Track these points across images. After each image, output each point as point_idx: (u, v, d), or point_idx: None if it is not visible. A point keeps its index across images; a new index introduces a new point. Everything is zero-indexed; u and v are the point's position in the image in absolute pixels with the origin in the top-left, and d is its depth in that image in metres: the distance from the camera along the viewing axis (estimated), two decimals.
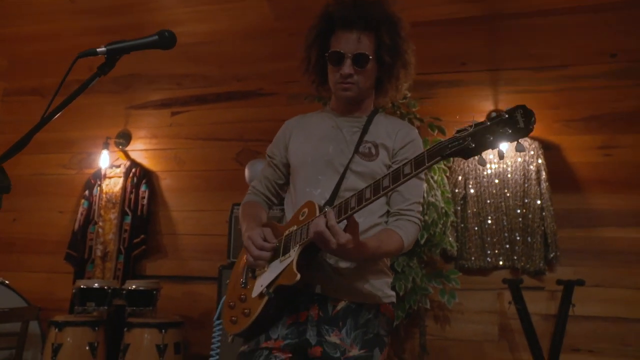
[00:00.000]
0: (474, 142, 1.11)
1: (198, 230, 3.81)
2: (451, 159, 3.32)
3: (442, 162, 3.13)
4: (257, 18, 3.87)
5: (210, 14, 3.91)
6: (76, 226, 3.94)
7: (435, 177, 3.07)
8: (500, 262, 3.21)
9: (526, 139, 3.25)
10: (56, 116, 1.40)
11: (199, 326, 3.60)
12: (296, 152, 1.58)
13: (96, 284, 3.38)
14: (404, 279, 2.87)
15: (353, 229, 1.28)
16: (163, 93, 4.08)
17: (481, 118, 1.14)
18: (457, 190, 3.31)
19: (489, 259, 3.22)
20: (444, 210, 3.04)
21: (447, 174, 3.28)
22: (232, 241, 3.09)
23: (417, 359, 3.09)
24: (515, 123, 1.08)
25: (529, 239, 3.16)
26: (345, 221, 1.30)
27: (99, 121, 4.08)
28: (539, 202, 3.17)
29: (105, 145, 3.97)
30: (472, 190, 3.30)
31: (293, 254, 1.36)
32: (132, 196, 3.87)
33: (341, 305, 1.42)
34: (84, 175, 4.12)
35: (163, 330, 3.17)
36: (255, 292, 1.44)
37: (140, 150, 4.06)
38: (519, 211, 3.21)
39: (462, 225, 3.28)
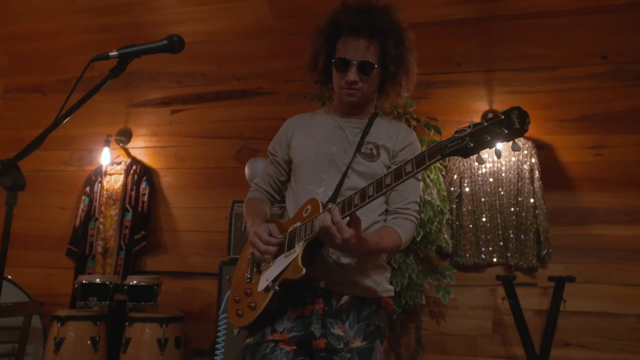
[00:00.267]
0: (472, 141, 1.18)
1: (198, 227, 3.86)
2: (447, 158, 3.39)
3: (438, 161, 3.22)
4: (256, 18, 3.92)
5: (209, 14, 3.95)
6: (77, 222, 3.98)
7: (432, 176, 3.14)
8: (494, 259, 3.28)
9: (520, 138, 3.33)
10: (67, 118, 1.46)
11: (199, 321, 3.66)
12: (299, 150, 1.63)
13: (98, 280, 3.43)
14: (401, 275, 2.94)
15: (356, 225, 1.35)
16: (163, 91, 4.12)
17: (476, 118, 1.21)
18: (452, 189, 3.38)
19: (483, 256, 3.29)
20: (439, 208, 3.10)
21: (443, 173, 3.34)
22: (233, 237, 3.14)
23: (412, 353, 3.15)
24: (511, 124, 1.15)
25: (522, 236, 3.23)
26: (348, 217, 1.36)
27: (99, 119, 4.12)
28: (532, 200, 3.24)
29: (106, 143, 4.01)
30: (467, 189, 3.38)
31: (298, 249, 1.42)
32: (133, 193, 3.92)
33: (344, 299, 1.49)
34: (84, 172, 4.15)
35: (164, 325, 3.22)
36: (261, 287, 1.49)
37: (141, 147, 4.11)
38: (512, 209, 3.28)
39: (457, 222, 3.35)
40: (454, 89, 3.59)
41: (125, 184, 3.95)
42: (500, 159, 3.35)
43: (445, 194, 3.24)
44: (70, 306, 3.73)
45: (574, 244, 3.21)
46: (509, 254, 3.25)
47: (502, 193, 3.32)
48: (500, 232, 3.29)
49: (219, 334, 1.89)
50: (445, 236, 3.19)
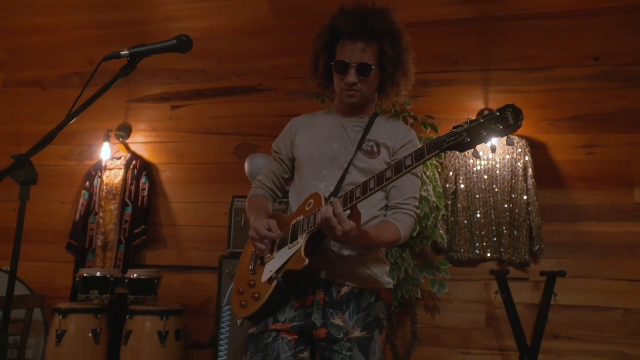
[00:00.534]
0: (469, 137, 1.25)
1: (197, 222, 3.91)
2: (443, 155, 3.46)
3: (434, 158, 3.28)
4: (256, 15, 3.96)
5: (210, 11, 3.99)
6: (77, 217, 4.02)
7: (428, 173, 3.20)
8: (488, 254, 3.35)
9: (514, 137, 3.40)
10: (80, 114, 1.50)
11: (199, 314, 3.71)
12: (302, 148, 1.69)
13: (99, 273, 3.46)
14: (397, 269, 3.00)
15: (356, 218, 1.40)
16: (163, 87, 4.16)
17: (472, 116, 1.27)
18: (448, 186, 3.44)
19: (477, 251, 3.36)
20: (435, 205, 3.16)
21: (439, 170, 3.40)
22: (233, 232, 3.19)
23: (408, 345, 3.22)
24: (506, 120, 1.22)
25: (515, 232, 3.31)
26: (349, 211, 1.42)
27: (99, 114, 4.14)
28: (525, 197, 3.31)
29: (107, 138, 4.05)
30: (462, 186, 3.45)
31: (301, 241, 1.47)
32: (133, 188, 3.97)
33: (345, 290, 1.54)
34: (84, 167, 4.19)
35: (164, 318, 3.25)
36: (264, 278, 1.54)
37: (141, 143, 4.15)
38: (506, 206, 3.35)
39: (453, 219, 3.42)
40: (451, 88, 3.65)
41: (125, 179, 4.00)
42: (495, 157, 3.42)
43: (441, 190, 3.30)
44: (70, 300, 3.77)
45: (565, 240, 3.29)
46: (502, 250, 3.33)
47: (496, 190, 3.39)
48: (494, 228, 3.36)
49: (223, 325, 1.95)
50: (441, 232, 3.25)
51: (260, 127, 3.89)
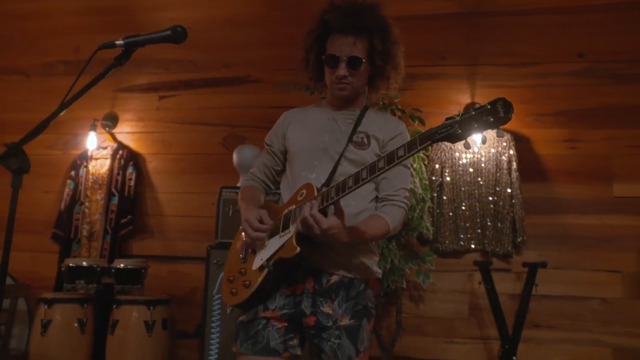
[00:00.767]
0: (460, 128, 1.29)
1: (184, 212, 3.90)
2: (430, 148, 3.51)
3: (421, 151, 3.32)
4: (246, 6, 3.95)
5: (199, 0, 3.97)
6: (62, 206, 4.00)
7: (415, 165, 3.24)
8: (472, 246, 3.41)
9: (499, 131, 3.47)
10: (73, 103, 1.50)
11: (185, 304, 3.71)
12: (294, 140, 1.71)
13: (85, 263, 3.45)
14: (383, 260, 3.05)
15: (339, 215, 1.44)
16: (151, 77, 4.13)
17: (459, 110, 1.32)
18: (434, 178, 3.49)
19: (461, 243, 3.42)
20: (421, 197, 3.21)
21: (425, 162, 3.45)
22: (221, 222, 3.19)
23: (393, 334, 3.28)
24: (497, 113, 1.26)
25: (499, 224, 3.37)
26: (332, 207, 1.45)
27: (85, 103, 4.04)
28: (509, 190, 3.38)
29: (93, 127, 4.01)
30: (448, 178, 3.50)
31: (293, 229, 1.50)
32: (119, 178, 3.95)
33: (334, 278, 1.57)
34: (69, 156, 4.14)
35: (151, 307, 3.26)
36: (255, 265, 1.57)
37: (127, 132, 4.12)
38: (490, 198, 3.41)
39: (438, 210, 3.47)
40: (437, 82, 3.69)
41: (111, 169, 3.98)
42: (480, 150, 3.47)
43: (427, 182, 3.35)
44: (54, 290, 3.75)
45: (547, 232, 3.36)
46: (486, 241, 3.39)
47: (481, 183, 3.45)
48: (478, 220, 3.43)
49: (214, 313, 1.97)
50: (427, 223, 3.30)
51: (248, 118, 3.89)
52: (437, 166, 3.51)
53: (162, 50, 4.02)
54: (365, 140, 1.65)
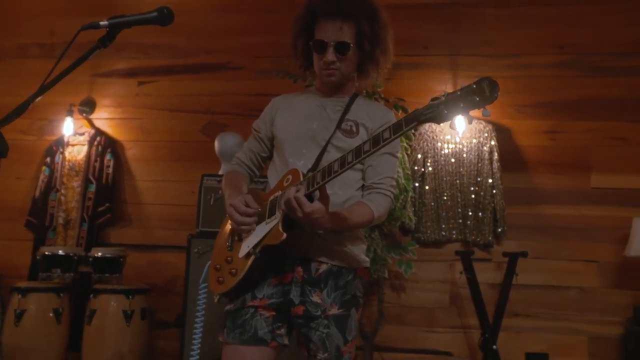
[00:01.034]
0: (446, 108, 1.28)
1: (164, 200, 3.84)
2: (412, 137, 3.51)
3: (404, 141, 3.32)
4: None
5: None
6: (37, 193, 3.89)
7: (397, 155, 3.25)
8: (454, 236, 3.44)
9: (481, 121, 3.49)
10: (53, 86, 1.45)
11: (164, 293, 3.67)
12: (282, 127, 1.69)
13: (61, 251, 3.38)
14: (366, 249, 3.05)
15: (324, 200, 1.43)
16: (130, 62, 4.03)
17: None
18: (416, 168, 3.50)
19: (443, 233, 3.45)
20: (404, 186, 3.23)
21: (408, 152, 3.46)
22: (202, 211, 3.15)
23: (375, 324, 3.30)
24: (482, 92, 1.25)
25: (480, 214, 3.41)
26: (318, 192, 1.43)
27: (61, 87, 3.94)
28: (490, 180, 3.41)
29: (69, 113, 3.90)
30: (430, 168, 3.52)
31: (279, 216, 1.48)
32: (97, 165, 3.85)
33: (323, 267, 1.56)
34: (44, 142, 4.03)
35: (130, 297, 3.21)
36: (242, 253, 1.54)
37: (105, 118, 4.01)
38: (472, 188, 3.44)
39: (420, 200, 3.49)
40: (419, 71, 3.69)
41: (88, 155, 3.88)
42: (462, 140, 3.50)
43: (409, 172, 3.36)
44: (28, 279, 3.66)
45: (527, 222, 3.41)
46: (467, 231, 3.43)
47: (462, 173, 3.48)
48: (459, 210, 3.46)
49: (199, 302, 1.94)
50: (409, 213, 3.32)
51: (229, 105, 3.84)
52: (419, 156, 3.53)
53: (142, 34, 3.91)
54: (354, 129, 1.64)
